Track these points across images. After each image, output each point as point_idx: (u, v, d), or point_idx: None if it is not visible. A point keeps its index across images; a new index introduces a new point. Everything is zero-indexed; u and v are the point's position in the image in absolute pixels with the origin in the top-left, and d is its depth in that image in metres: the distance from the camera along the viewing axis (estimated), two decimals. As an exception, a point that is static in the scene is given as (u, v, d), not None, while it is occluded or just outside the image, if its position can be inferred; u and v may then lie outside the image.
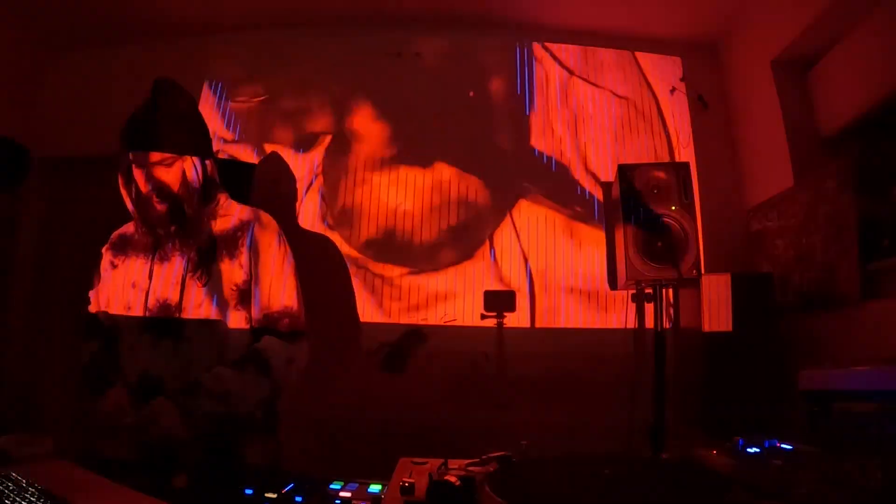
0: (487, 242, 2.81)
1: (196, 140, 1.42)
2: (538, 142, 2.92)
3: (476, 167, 2.89)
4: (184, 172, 1.37)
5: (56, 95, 3.11)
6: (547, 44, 3.06)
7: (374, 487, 0.89)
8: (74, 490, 0.85)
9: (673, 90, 2.97)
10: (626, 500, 0.81)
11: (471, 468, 0.98)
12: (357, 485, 0.90)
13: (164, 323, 1.32)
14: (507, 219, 2.84)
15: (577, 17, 2.98)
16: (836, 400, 1.13)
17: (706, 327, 2.21)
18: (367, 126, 2.96)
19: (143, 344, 1.32)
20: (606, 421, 2.40)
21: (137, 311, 1.35)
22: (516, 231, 2.81)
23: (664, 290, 2.30)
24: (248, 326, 1.37)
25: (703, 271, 2.28)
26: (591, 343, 2.66)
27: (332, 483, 0.90)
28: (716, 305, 2.21)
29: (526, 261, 2.78)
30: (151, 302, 1.34)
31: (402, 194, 2.86)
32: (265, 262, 1.38)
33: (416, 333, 2.55)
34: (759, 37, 2.69)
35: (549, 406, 2.49)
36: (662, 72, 3.02)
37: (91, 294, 1.49)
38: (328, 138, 2.95)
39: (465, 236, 2.81)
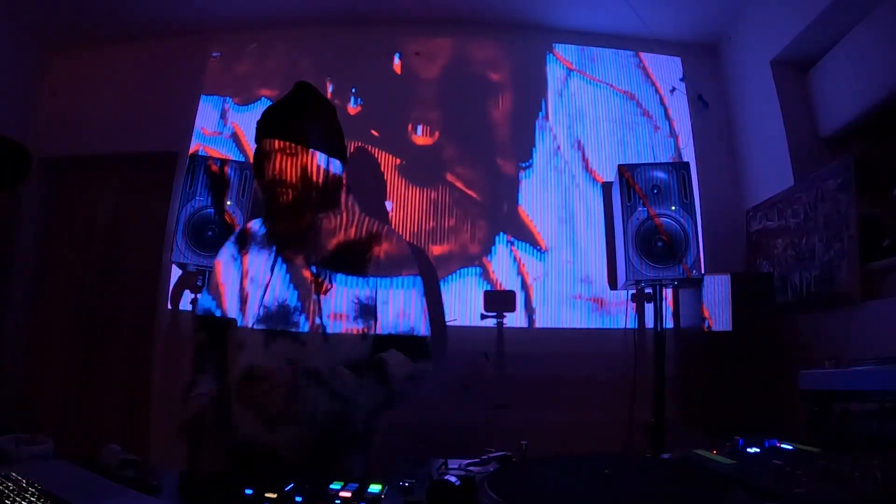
0: (488, 242, 2.81)
1: (326, 140, 1.39)
2: (541, 142, 2.92)
3: (477, 166, 2.89)
4: (306, 166, 1.34)
5: (56, 95, 3.11)
6: (545, 44, 3.06)
7: (374, 487, 0.89)
8: (74, 490, 0.85)
9: (673, 90, 2.98)
10: (626, 499, 0.81)
11: (471, 468, 0.98)
12: (357, 485, 0.90)
13: (278, 323, 1.31)
14: (509, 217, 2.84)
15: (577, 18, 2.98)
16: (836, 400, 1.13)
17: (706, 327, 2.22)
18: (367, 126, 2.96)
19: (255, 341, 1.31)
20: (606, 421, 2.40)
21: (253, 307, 1.34)
22: (517, 231, 2.82)
23: (664, 290, 2.31)
24: (365, 339, 1.36)
25: (703, 271, 2.28)
26: (591, 343, 2.65)
27: (332, 483, 0.90)
28: (716, 305, 2.21)
29: (524, 262, 2.79)
30: (269, 299, 1.32)
31: (401, 194, 2.86)
32: (394, 281, 1.36)
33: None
34: (759, 37, 2.69)
35: (549, 406, 2.49)
36: (663, 72, 3.02)
37: (203, 288, 1.51)
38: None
39: (465, 237, 2.82)
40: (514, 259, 2.77)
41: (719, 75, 3.01)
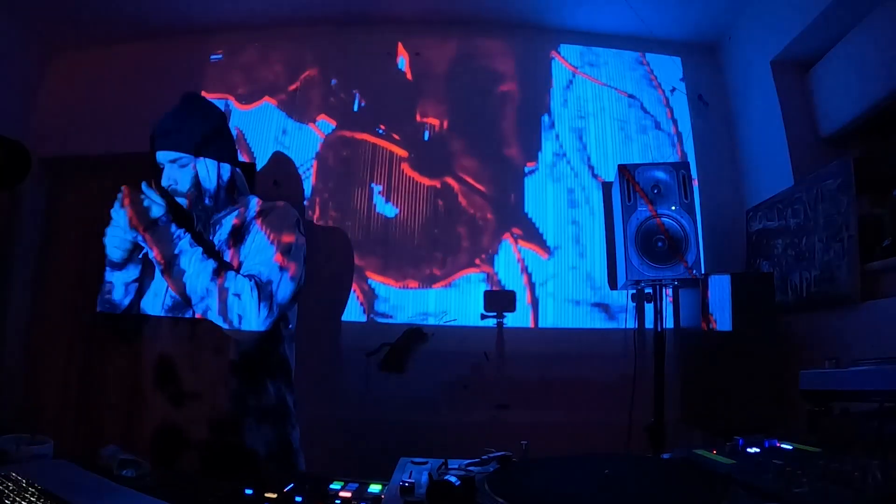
0: (489, 244, 2.81)
1: (217, 146, 1.49)
2: (543, 142, 2.93)
3: (480, 166, 2.90)
4: (197, 174, 1.45)
5: (56, 95, 3.11)
6: (547, 44, 3.06)
7: (374, 487, 0.89)
8: (74, 490, 0.85)
9: (673, 90, 2.98)
10: (626, 499, 0.81)
11: (471, 468, 0.98)
12: (357, 485, 0.90)
13: (181, 310, 1.40)
14: (510, 218, 2.85)
15: (578, 18, 2.98)
16: (836, 400, 1.13)
17: (706, 327, 2.22)
18: (367, 126, 2.96)
19: (162, 329, 1.41)
20: (606, 421, 2.40)
21: (161, 299, 1.44)
22: (518, 231, 2.82)
23: (664, 290, 2.31)
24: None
25: (703, 271, 2.28)
26: (591, 343, 2.65)
27: (332, 483, 0.90)
28: (716, 305, 2.21)
29: (525, 262, 2.79)
30: (168, 299, 1.43)
31: (404, 195, 2.87)
32: (257, 242, 1.44)
33: (417, 333, 2.55)
34: (759, 37, 2.69)
35: (549, 406, 2.49)
36: (663, 72, 3.02)
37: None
38: (328, 137, 2.95)
39: (466, 237, 2.82)
40: (517, 259, 2.78)
41: (719, 75, 3.01)
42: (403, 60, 3.05)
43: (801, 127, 2.50)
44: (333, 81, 3.02)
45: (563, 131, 2.94)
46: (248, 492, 0.87)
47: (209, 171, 1.47)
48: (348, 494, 0.86)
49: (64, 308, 2.99)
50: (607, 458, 0.92)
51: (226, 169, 1.51)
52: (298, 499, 0.84)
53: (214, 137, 1.50)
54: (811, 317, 2.25)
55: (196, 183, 1.45)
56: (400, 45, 3.05)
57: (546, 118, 2.95)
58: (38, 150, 2.89)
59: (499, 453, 1.03)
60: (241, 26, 3.09)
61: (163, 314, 1.42)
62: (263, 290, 1.33)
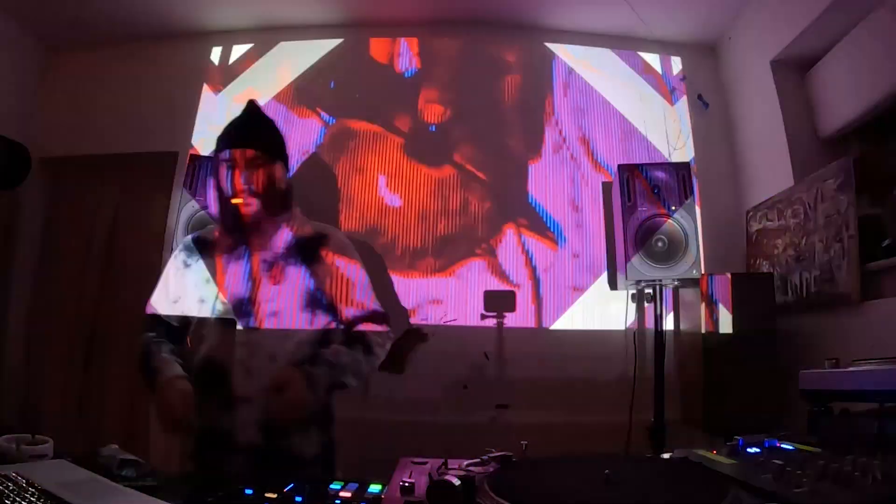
0: (491, 242, 2.82)
1: (284, 153, 1.52)
2: (546, 142, 2.93)
3: (482, 155, 2.91)
4: (274, 174, 1.45)
5: (56, 95, 3.11)
6: (549, 44, 3.06)
7: (374, 487, 0.89)
8: (74, 490, 0.85)
9: (673, 90, 2.97)
10: (626, 499, 0.81)
11: (471, 468, 0.98)
12: (357, 485, 0.90)
13: (237, 315, 1.41)
14: (511, 219, 2.85)
15: (578, 18, 2.98)
16: (836, 400, 1.13)
17: (706, 327, 2.22)
18: (368, 125, 2.96)
19: (215, 333, 1.41)
20: (606, 421, 2.40)
21: (211, 304, 1.44)
22: (520, 232, 2.82)
23: (664, 290, 2.31)
24: (322, 327, 1.48)
25: (703, 271, 2.28)
26: (591, 343, 2.65)
27: (332, 483, 0.90)
28: (716, 305, 2.21)
29: (528, 261, 2.79)
30: (227, 296, 1.43)
31: (405, 191, 2.87)
32: (343, 275, 1.49)
33: (416, 333, 2.55)
34: (759, 37, 2.69)
35: (549, 406, 2.49)
36: (663, 72, 3.03)
37: (155, 296, 1.55)
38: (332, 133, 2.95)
39: (467, 236, 2.82)
40: (521, 251, 2.79)
41: (719, 75, 3.01)
42: (407, 57, 3.06)
43: (801, 127, 2.50)
44: (332, 84, 3.03)
45: (564, 127, 2.95)
46: (248, 492, 0.87)
47: (282, 176, 1.48)
48: (348, 494, 0.86)
49: (64, 308, 2.99)
50: (607, 458, 0.92)
51: (287, 177, 1.53)
52: (298, 499, 0.84)
53: (283, 144, 1.53)
54: (811, 317, 2.25)
55: (270, 183, 1.44)
56: (399, 44, 3.06)
57: (546, 115, 2.96)
58: (38, 150, 2.89)
59: (499, 453, 1.03)
60: (241, 26, 3.09)
61: (213, 318, 1.42)
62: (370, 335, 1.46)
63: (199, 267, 1.49)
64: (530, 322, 2.73)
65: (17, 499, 0.78)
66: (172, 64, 3.08)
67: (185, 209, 2.33)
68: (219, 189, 1.46)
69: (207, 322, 1.44)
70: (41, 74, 3.13)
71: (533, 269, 2.78)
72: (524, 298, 2.74)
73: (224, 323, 1.40)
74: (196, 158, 2.41)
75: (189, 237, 1.59)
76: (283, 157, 1.50)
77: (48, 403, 2.87)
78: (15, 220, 3.02)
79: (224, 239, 1.49)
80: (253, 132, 1.47)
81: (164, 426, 1.28)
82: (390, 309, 2.67)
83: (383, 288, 2.66)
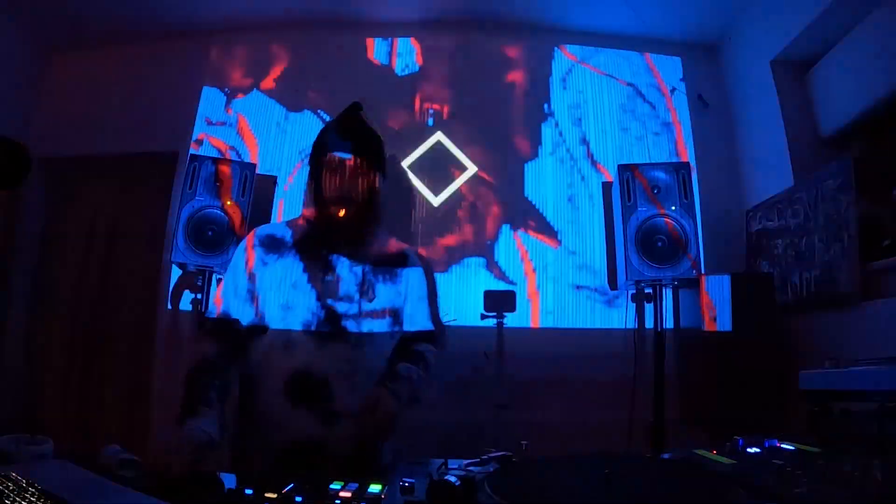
0: (491, 242, 2.82)
1: (384, 160, 1.47)
2: (545, 141, 2.94)
3: (483, 163, 2.91)
4: (374, 184, 1.41)
5: (56, 95, 3.11)
6: (548, 44, 3.06)
7: (374, 487, 0.89)
8: (74, 490, 0.85)
9: (673, 90, 2.97)
10: (626, 500, 0.81)
11: (471, 468, 0.98)
12: (357, 485, 0.90)
13: (332, 327, 1.36)
14: (511, 218, 2.85)
15: (578, 18, 2.98)
16: (836, 400, 1.13)
17: (706, 327, 2.22)
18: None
19: (307, 344, 1.34)
20: (606, 421, 2.40)
21: (301, 312, 1.36)
22: (523, 231, 2.83)
23: (664, 290, 2.31)
24: (392, 338, 1.45)
25: (703, 271, 2.28)
26: (591, 343, 2.66)
27: (332, 483, 0.90)
28: (716, 305, 2.21)
29: (528, 260, 2.79)
30: (320, 304, 1.37)
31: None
32: (420, 293, 1.48)
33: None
34: (759, 37, 2.69)
35: (549, 406, 2.49)
36: (663, 72, 3.03)
37: (222, 292, 1.44)
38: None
39: (471, 235, 2.83)
40: (522, 250, 2.80)
41: (719, 75, 3.02)
42: (405, 56, 3.06)
43: (801, 127, 2.50)
44: (331, 84, 3.03)
45: (564, 127, 2.95)
46: (248, 492, 0.87)
47: (380, 187, 1.43)
48: (348, 494, 0.86)
49: (64, 308, 2.99)
50: (607, 458, 0.92)
51: (381, 185, 1.46)
52: (299, 499, 0.84)
53: (384, 154, 1.47)
54: (811, 317, 2.25)
55: (370, 193, 1.40)
56: (397, 43, 3.06)
57: (546, 113, 2.96)
58: (38, 150, 2.89)
59: (499, 453, 1.03)
60: (240, 26, 3.09)
61: (302, 329, 1.34)
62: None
63: (279, 267, 1.40)
64: (530, 322, 2.73)
65: (17, 499, 0.78)
66: (172, 64, 3.08)
67: (184, 209, 2.33)
68: (317, 192, 1.40)
69: (293, 332, 1.35)
70: (41, 74, 3.13)
71: (533, 269, 2.78)
72: (524, 298, 2.74)
73: (320, 335, 1.34)
74: (196, 158, 2.41)
75: (262, 231, 1.48)
76: (383, 168, 1.45)
77: (48, 403, 2.87)
78: (15, 220, 3.02)
79: (310, 243, 1.42)
80: (360, 140, 1.41)
81: (162, 465, 1.10)
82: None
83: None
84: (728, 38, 2.93)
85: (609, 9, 2.85)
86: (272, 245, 1.43)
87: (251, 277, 1.40)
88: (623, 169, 2.29)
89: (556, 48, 3.05)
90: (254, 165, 2.47)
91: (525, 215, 2.86)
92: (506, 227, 2.84)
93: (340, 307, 1.36)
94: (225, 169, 2.39)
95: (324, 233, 1.41)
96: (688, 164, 2.33)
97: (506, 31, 3.06)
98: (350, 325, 1.36)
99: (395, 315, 1.43)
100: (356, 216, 1.39)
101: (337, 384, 1.30)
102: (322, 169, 1.40)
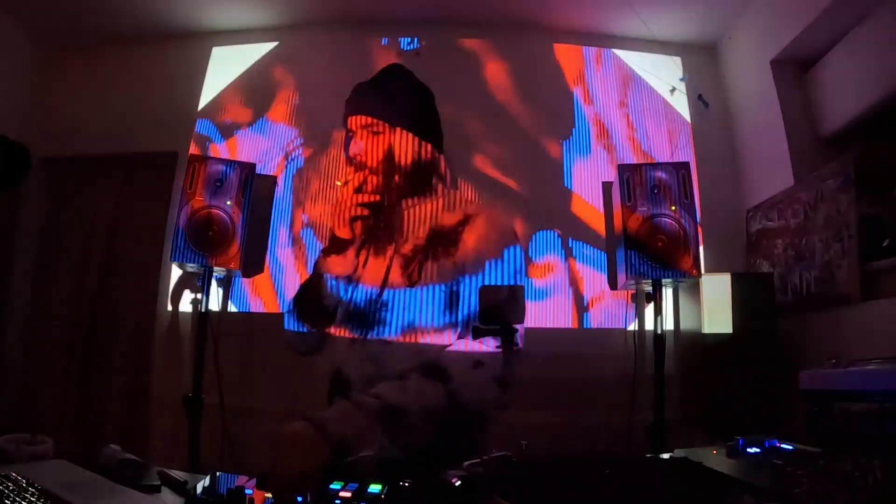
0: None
1: (419, 121, 1.27)
2: (544, 141, 2.93)
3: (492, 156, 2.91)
4: (391, 146, 1.23)
5: (56, 95, 3.11)
6: (547, 43, 3.06)
7: (374, 487, 0.89)
8: (74, 490, 0.85)
9: (673, 90, 2.97)
10: (626, 499, 0.81)
11: (471, 468, 0.98)
12: (357, 485, 0.90)
13: (364, 324, 1.20)
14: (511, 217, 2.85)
15: (578, 18, 2.98)
16: (836, 400, 1.13)
17: (706, 327, 2.21)
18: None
19: (340, 344, 1.21)
20: (606, 421, 2.40)
21: (337, 302, 1.23)
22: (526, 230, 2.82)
23: (664, 290, 2.30)
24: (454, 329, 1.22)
25: (703, 271, 2.28)
26: (591, 343, 2.65)
27: (332, 483, 0.90)
28: (716, 305, 2.21)
29: (527, 260, 2.79)
30: (354, 297, 1.22)
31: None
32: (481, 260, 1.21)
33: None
34: (759, 37, 2.69)
35: (549, 406, 2.48)
36: (663, 72, 3.02)
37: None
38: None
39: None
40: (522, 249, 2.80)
41: (719, 75, 3.01)
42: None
43: (801, 127, 2.50)
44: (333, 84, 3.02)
45: (564, 126, 2.95)
46: (248, 492, 0.87)
47: (406, 146, 1.24)
48: (348, 494, 0.86)
49: (64, 308, 2.99)
50: (607, 458, 0.92)
51: (427, 149, 1.27)
52: (299, 499, 0.84)
53: (418, 110, 1.28)
54: (811, 317, 2.24)
55: (389, 156, 1.22)
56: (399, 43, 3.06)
57: (543, 115, 2.96)
58: (38, 150, 2.89)
59: (499, 453, 1.03)
60: (241, 25, 3.09)
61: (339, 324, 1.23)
62: None
63: (328, 264, 1.28)
64: (530, 322, 2.73)
65: (17, 499, 0.78)
66: (172, 64, 3.08)
67: (184, 209, 2.32)
68: (348, 162, 1.25)
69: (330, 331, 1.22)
70: (41, 74, 3.13)
71: (533, 268, 2.78)
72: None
73: (352, 332, 1.19)
74: (196, 158, 2.41)
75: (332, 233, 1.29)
76: (413, 125, 1.24)
77: (48, 403, 2.87)
78: (15, 220, 3.01)
79: (347, 226, 1.25)
80: (370, 96, 1.25)
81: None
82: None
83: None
84: (728, 38, 2.93)
85: (609, 9, 2.85)
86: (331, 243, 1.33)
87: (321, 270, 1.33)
88: (623, 169, 2.29)
89: (554, 48, 3.05)
90: (254, 165, 2.46)
91: (526, 215, 2.85)
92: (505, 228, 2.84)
93: (375, 299, 1.24)
94: (225, 169, 2.38)
95: (349, 211, 1.31)
96: (688, 164, 2.33)
97: (502, 31, 3.06)
98: (387, 320, 1.23)
99: (452, 298, 1.26)
100: (377, 185, 1.27)
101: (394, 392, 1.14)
102: (346, 137, 1.31)
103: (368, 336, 1.18)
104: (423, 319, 1.18)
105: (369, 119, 1.22)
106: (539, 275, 2.76)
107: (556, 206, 2.84)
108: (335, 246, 1.27)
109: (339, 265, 1.25)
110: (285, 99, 3.02)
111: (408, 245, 1.21)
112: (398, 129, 1.22)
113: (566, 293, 2.75)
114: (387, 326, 1.18)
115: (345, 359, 1.19)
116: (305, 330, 1.29)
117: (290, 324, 1.33)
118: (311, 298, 1.30)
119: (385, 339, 1.17)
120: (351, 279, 1.22)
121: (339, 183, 1.35)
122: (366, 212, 1.23)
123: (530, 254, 2.77)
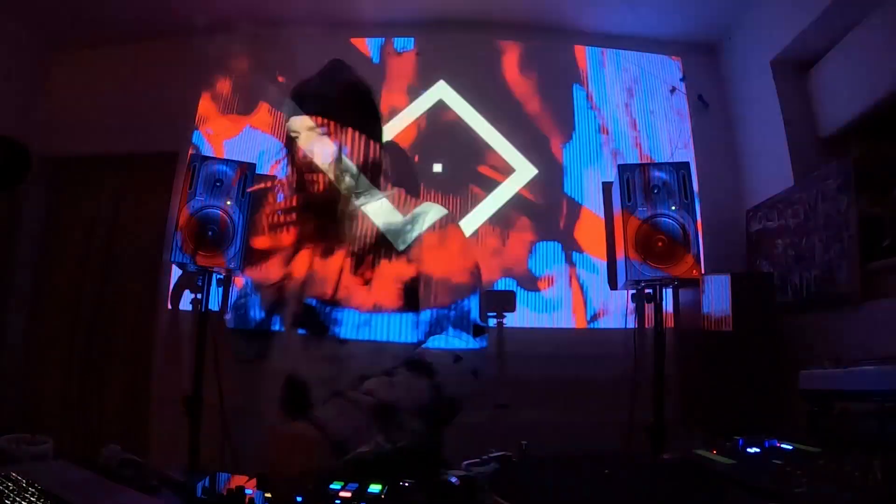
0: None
1: (365, 118, 1.26)
2: (544, 142, 2.93)
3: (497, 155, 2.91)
4: (341, 147, 1.21)
5: (56, 95, 3.11)
6: (547, 43, 3.06)
7: (374, 487, 0.89)
8: (74, 490, 0.85)
9: (673, 90, 2.97)
10: (626, 500, 0.81)
11: (471, 468, 0.98)
12: (357, 485, 0.90)
13: (316, 323, 1.17)
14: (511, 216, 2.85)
15: (578, 18, 2.98)
16: (836, 400, 1.13)
17: (706, 327, 2.21)
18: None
19: (295, 346, 1.18)
20: (606, 421, 2.40)
21: (291, 306, 1.20)
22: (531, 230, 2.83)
23: (664, 290, 2.30)
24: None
25: (703, 271, 2.28)
26: (591, 343, 2.65)
27: (332, 483, 0.90)
28: (716, 305, 2.21)
29: (528, 259, 2.79)
30: (305, 297, 1.19)
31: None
32: (439, 257, 1.19)
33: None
34: (759, 37, 2.69)
35: (549, 406, 2.49)
36: (662, 72, 3.03)
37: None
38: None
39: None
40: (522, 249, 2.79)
41: (719, 75, 3.01)
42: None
43: (801, 127, 2.50)
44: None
45: (566, 126, 2.95)
46: (248, 492, 0.87)
47: (355, 146, 1.22)
48: (348, 494, 0.85)
49: (64, 308, 2.99)
50: (607, 458, 0.92)
51: (374, 148, 1.26)
52: (299, 499, 0.84)
53: (363, 108, 1.27)
54: (811, 317, 2.24)
55: (339, 157, 1.20)
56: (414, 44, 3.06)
57: (543, 115, 2.96)
58: (38, 150, 2.89)
59: (499, 453, 1.03)
60: (240, 26, 3.08)
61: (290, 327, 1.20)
62: None
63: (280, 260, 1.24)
64: (530, 322, 2.73)
65: (17, 499, 0.78)
66: (173, 64, 3.08)
67: (184, 209, 2.32)
68: (291, 163, 1.22)
69: (280, 331, 1.20)
70: (42, 74, 3.13)
71: (533, 267, 2.79)
72: (524, 298, 2.74)
73: (306, 334, 1.16)
74: (196, 158, 2.41)
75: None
76: (356, 121, 1.23)
77: (48, 403, 2.87)
78: (15, 219, 3.02)
79: (300, 226, 1.23)
80: (315, 96, 1.22)
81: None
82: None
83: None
84: (728, 38, 2.93)
85: (609, 9, 2.85)
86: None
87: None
88: (623, 168, 2.29)
89: (554, 48, 3.05)
90: (254, 165, 2.46)
91: (525, 215, 2.85)
92: (505, 227, 2.84)
93: (327, 299, 1.21)
94: (225, 169, 2.38)
95: (300, 211, 1.26)
96: (688, 164, 2.33)
97: (502, 30, 3.06)
98: (339, 320, 1.20)
99: (411, 293, 1.22)
100: (325, 185, 1.23)
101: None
102: (289, 137, 1.26)
103: (322, 337, 1.16)
104: (381, 318, 1.17)
105: (315, 120, 1.20)
106: (543, 285, 2.78)
107: (555, 210, 2.85)
108: (263, 253, 1.25)
109: (271, 271, 1.23)
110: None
111: (359, 244, 1.20)
112: (344, 128, 1.21)
113: (567, 306, 2.77)
114: (341, 326, 1.16)
115: (299, 360, 1.16)
116: (248, 335, 1.27)
117: (233, 329, 1.31)
118: (248, 305, 1.28)
119: (340, 338, 1.16)
120: (290, 283, 1.21)
121: (270, 184, 1.32)
122: (309, 214, 1.21)
123: (532, 261, 2.78)
